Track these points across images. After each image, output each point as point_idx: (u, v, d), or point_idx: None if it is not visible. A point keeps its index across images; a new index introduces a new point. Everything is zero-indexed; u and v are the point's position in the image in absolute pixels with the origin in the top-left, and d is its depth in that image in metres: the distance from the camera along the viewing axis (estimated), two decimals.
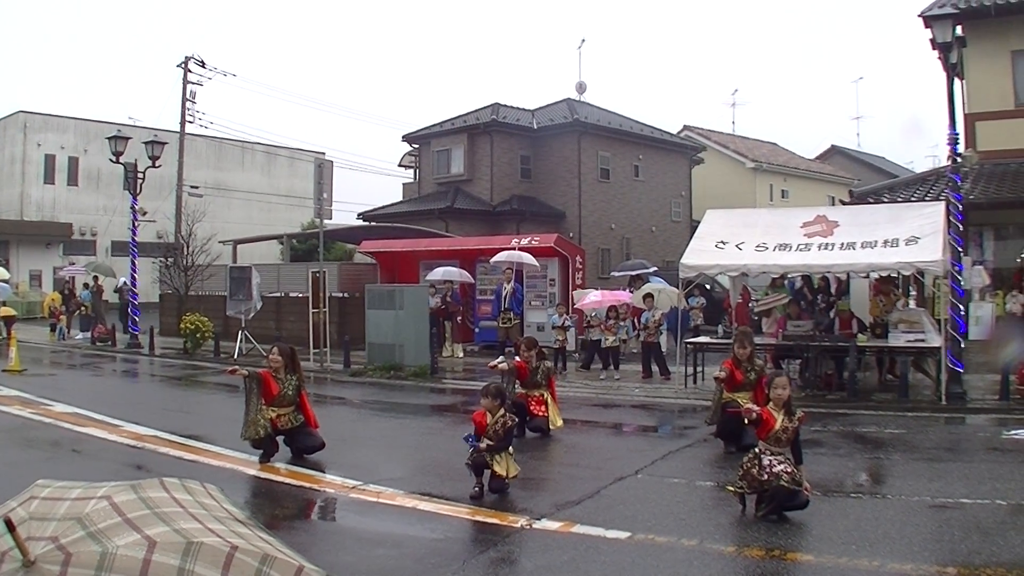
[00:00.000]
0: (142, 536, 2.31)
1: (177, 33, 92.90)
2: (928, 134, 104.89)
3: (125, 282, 27.04)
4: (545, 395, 10.66)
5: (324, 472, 8.58)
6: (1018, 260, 16.42)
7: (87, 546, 2.27)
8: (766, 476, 6.68)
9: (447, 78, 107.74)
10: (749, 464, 6.85)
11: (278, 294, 23.92)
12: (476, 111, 34.09)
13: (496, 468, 7.53)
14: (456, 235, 27.19)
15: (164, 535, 2.33)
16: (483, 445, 7.51)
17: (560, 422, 10.69)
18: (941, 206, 13.73)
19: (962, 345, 12.88)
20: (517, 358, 11.04)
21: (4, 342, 22.02)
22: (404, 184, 40.41)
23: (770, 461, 6.73)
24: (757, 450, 6.91)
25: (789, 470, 6.69)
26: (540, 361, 10.78)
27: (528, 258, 19.29)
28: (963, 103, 17.72)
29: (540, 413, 10.49)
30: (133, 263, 23.87)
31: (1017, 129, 18.11)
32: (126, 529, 2.33)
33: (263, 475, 8.58)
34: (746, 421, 7.05)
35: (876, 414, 11.96)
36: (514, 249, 19.85)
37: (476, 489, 7.50)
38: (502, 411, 7.73)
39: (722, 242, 14.20)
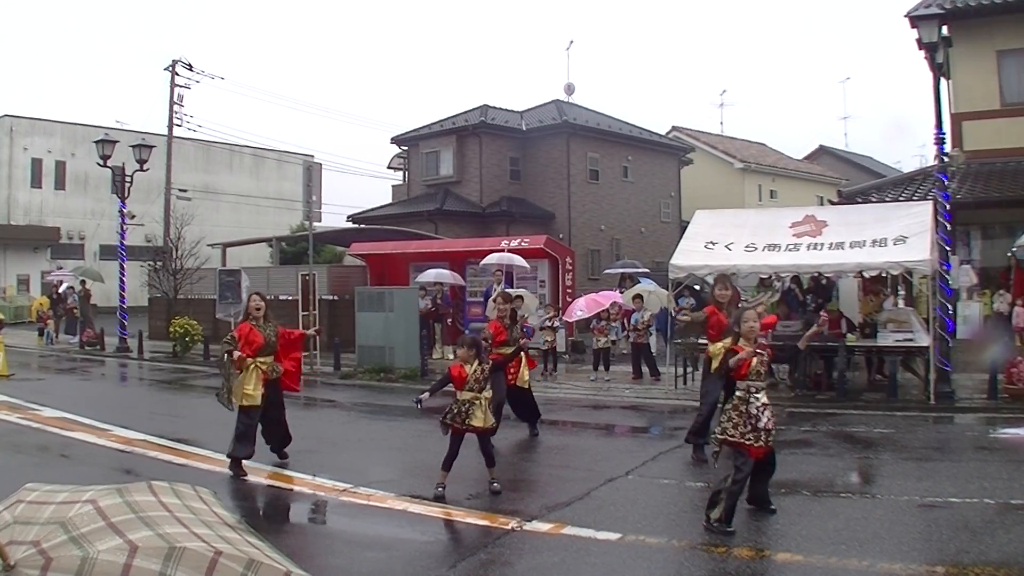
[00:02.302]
0: (124, 541, 2.29)
1: (164, 36, 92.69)
2: (915, 134, 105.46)
3: (70, 287, 27.18)
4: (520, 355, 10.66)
5: (314, 475, 8.54)
6: (1009, 254, 16.44)
7: (68, 550, 2.25)
8: (751, 428, 6.53)
9: (435, 80, 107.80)
10: (737, 413, 6.59)
11: (267, 297, 23.76)
12: (465, 113, 34.09)
13: (475, 421, 7.52)
14: (445, 237, 27.15)
15: (146, 540, 2.31)
16: (424, 396, 7.68)
17: (527, 377, 10.81)
18: (929, 205, 13.78)
19: (950, 344, 12.92)
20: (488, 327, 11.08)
21: None
22: (393, 186, 40.37)
23: (758, 409, 6.55)
24: (741, 394, 6.64)
25: (771, 425, 6.60)
26: (513, 323, 10.69)
27: (519, 260, 19.26)
28: (949, 103, 17.80)
29: (510, 378, 10.49)
30: (122, 267, 23.74)
31: (1003, 128, 18.20)
32: (109, 533, 2.31)
33: (252, 479, 8.53)
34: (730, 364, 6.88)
35: (865, 414, 11.99)
36: (504, 251, 19.83)
37: (440, 489, 7.53)
38: (478, 361, 7.71)
39: (711, 243, 14.22)
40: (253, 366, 8.78)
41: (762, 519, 6.77)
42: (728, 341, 7.13)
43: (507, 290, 17.34)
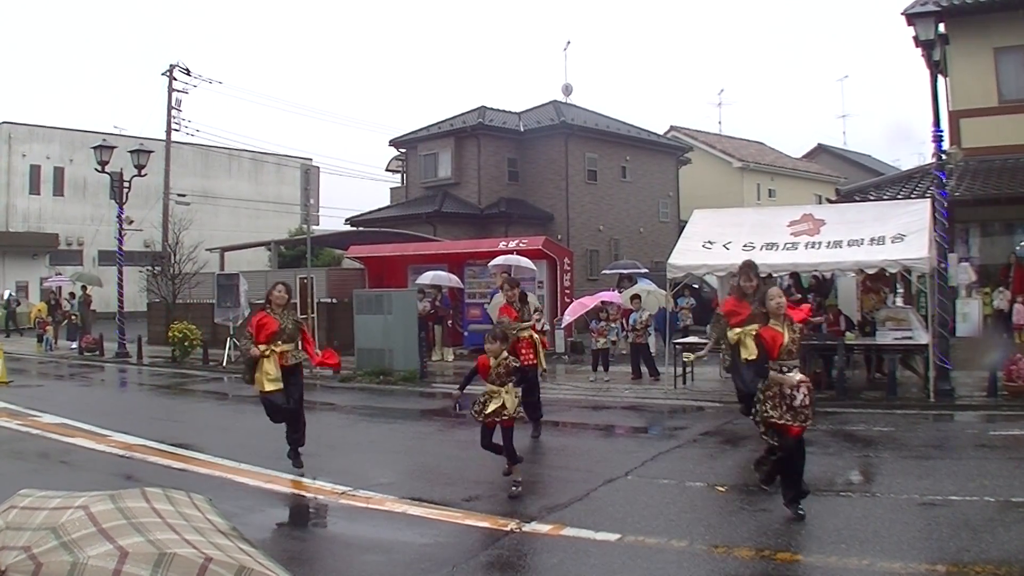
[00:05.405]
0: (114, 547, 2.28)
1: (162, 41, 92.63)
2: (913, 132, 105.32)
3: (11, 294, 27.46)
4: (533, 337, 10.63)
5: (314, 478, 8.54)
6: (1010, 255, 16.43)
7: (58, 556, 2.25)
8: (787, 408, 6.61)
9: (433, 81, 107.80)
10: (771, 394, 6.66)
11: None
12: (462, 114, 34.08)
13: (494, 404, 7.61)
14: (444, 239, 27.15)
15: (137, 546, 2.31)
16: (456, 394, 8.16)
17: (544, 365, 10.74)
18: (927, 203, 13.77)
19: (950, 342, 12.91)
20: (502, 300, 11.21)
21: None
22: (391, 188, 40.38)
23: (791, 391, 6.59)
24: (774, 375, 6.64)
25: (808, 402, 6.64)
26: (524, 304, 10.75)
27: (525, 262, 19.24)
28: (947, 100, 17.79)
29: (530, 360, 10.30)
30: (120, 272, 23.73)
31: (1001, 126, 18.20)
32: (99, 539, 2.31)
33: (252, 482, 8.53)
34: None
35: (865, 412, 11.97)
36: (511, 252, 19.80)
37: (514, 489, 7.67)
38: (505, 353, 7.82)
39: (709, 242, 14.20)
40: (269, 351, 8.75)
41: (761, 519, 6.75)
42: (755, 326, 7.14)
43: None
